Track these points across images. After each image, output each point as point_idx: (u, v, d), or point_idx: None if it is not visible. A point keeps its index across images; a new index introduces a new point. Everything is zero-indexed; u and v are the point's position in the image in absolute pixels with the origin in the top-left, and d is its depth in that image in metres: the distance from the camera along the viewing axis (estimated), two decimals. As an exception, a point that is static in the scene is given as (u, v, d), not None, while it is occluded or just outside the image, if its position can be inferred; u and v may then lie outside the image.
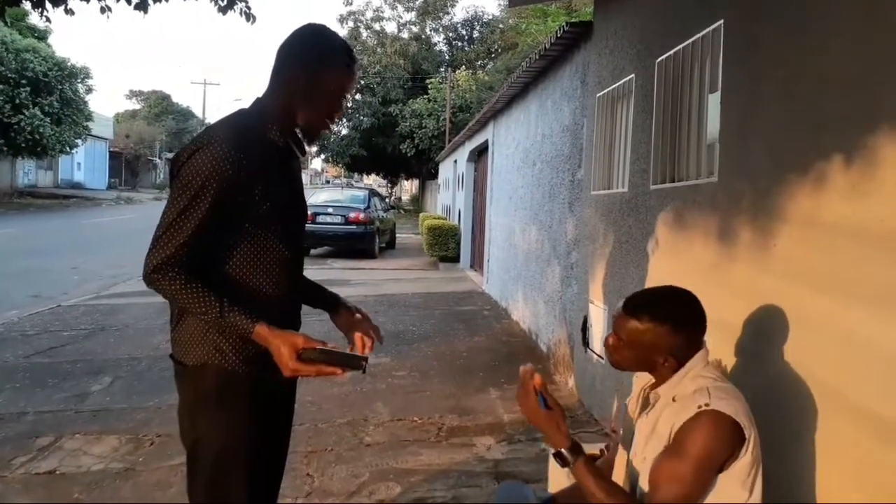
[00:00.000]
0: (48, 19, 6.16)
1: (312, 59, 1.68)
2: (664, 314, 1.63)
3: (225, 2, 6.39)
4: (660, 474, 1.54)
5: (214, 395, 1.63)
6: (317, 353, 1.58)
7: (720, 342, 2.50)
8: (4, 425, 3.94)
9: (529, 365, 1.66)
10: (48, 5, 5.64)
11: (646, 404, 1.73)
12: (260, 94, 1.74)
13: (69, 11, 5.92)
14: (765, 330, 2.22)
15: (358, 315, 1.91)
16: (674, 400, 1.62)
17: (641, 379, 1.80)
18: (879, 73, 1.75)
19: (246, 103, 1.73)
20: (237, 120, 1.68)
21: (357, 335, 1.82)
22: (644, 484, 1.63)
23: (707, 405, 1.52)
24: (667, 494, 1.50)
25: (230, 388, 1.64)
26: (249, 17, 6.67)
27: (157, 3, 5.96)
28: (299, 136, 1.75)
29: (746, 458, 1.54)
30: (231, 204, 1.57)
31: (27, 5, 5.85)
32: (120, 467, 3.38)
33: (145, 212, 27.08)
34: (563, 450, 1.57)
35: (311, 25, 1.76)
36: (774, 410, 2.11)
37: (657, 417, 1.64)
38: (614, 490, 1.56)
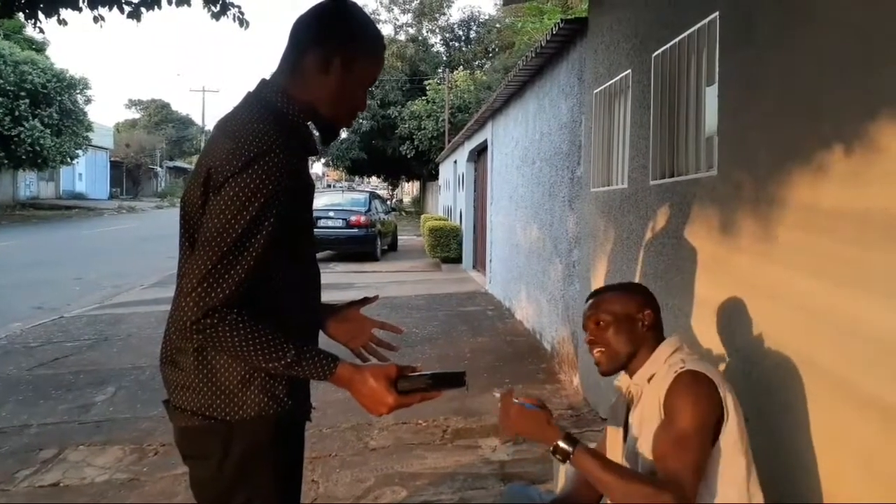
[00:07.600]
0: (42, 30, 6.19)
1: (349, 43, 1.40)
2: (628, 288, 1.86)
3: (218, 7, 6.39)
4: (663, 443, 1.53)
5: (268, 450, 1.37)
6: (416, 380, 1.34)
7: (722, 333, 2.48)
8: (7, 438, 3.93)
9: (503, 389, 1.69)
10: (41, 16, 5.65)
11: (630, 402, 1.76)
12: (268, 77, 1.44)
13: (62, 22, 5.92)
14: (767, 320, 2.20)
15: (355, 312, 1.69)
16: (649, 381, 1.67)
17: (623, 383, 1.81)
18: (879, 58, 1.72)
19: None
20: (275, 112, 1.36)
21: (356, 349, 1.67)
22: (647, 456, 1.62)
23: (682, 368, 1.60)
24: (675, 461, 1.48)
25: (285, 437, 1.41)
26: (243, 22, 6.67)
27: (150, 11, 5.95)
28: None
29: (732, 422, 1.57)
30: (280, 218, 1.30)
31: (20, 16, 5.86)
32: (124, 478, 3.37)
33: (147, 220, 27.15)
34: (558, 442, 1.53)
35: (339, 0, 1.46)
36: (778, 400, 2.09)
37: (643, 405, 1.67)
38: (625, 471, 1.54)
